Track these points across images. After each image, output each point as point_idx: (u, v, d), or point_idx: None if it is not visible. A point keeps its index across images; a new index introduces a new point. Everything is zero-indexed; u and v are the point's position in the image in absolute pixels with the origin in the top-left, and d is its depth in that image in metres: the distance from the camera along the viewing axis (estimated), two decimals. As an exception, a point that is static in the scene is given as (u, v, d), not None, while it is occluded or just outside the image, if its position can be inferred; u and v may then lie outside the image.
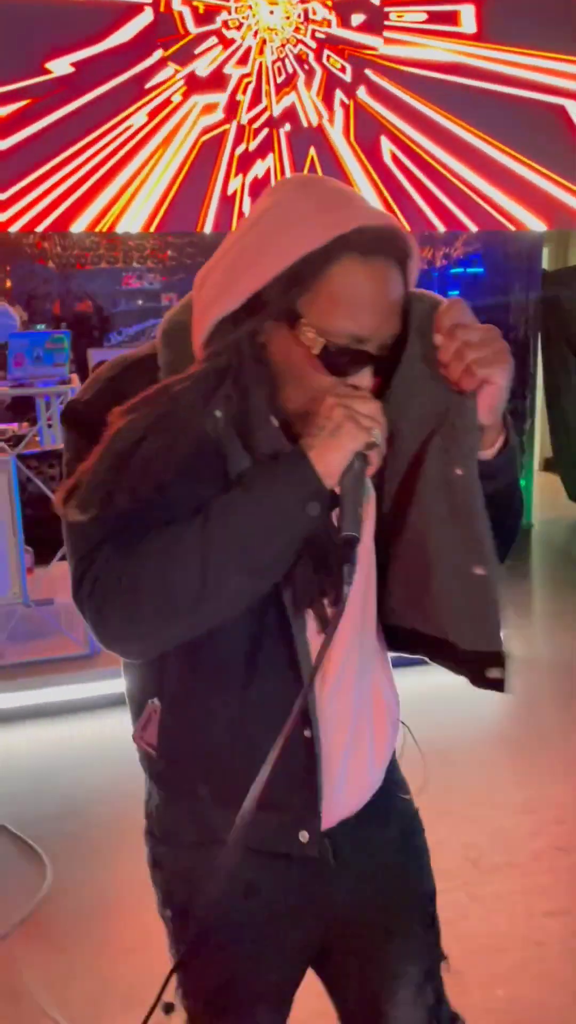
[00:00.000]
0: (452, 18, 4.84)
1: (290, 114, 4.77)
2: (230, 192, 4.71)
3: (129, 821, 2.62)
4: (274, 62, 4.71)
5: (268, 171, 4.75)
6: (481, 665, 1.08)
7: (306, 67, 4.73)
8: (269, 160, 4.76)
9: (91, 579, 1.01)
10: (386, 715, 1.20)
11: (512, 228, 5.15)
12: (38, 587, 3.61)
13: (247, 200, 4.71)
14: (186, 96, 4.60)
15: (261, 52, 4.68)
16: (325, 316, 0.97)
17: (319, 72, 4.75)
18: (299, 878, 1.15)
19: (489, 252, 5.57)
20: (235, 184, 4.72)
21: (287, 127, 4.76)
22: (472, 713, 3.44)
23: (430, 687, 3.49)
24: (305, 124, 4.77)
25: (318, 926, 1.19)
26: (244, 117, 4.68)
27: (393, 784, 1.24)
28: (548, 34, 4.89)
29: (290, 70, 4.74)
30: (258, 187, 4.70)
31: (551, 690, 3.69)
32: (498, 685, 1.08)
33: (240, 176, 4.72)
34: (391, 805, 1.23)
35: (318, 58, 4.74)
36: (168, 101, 4.57)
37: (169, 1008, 1.11)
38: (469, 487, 1.00)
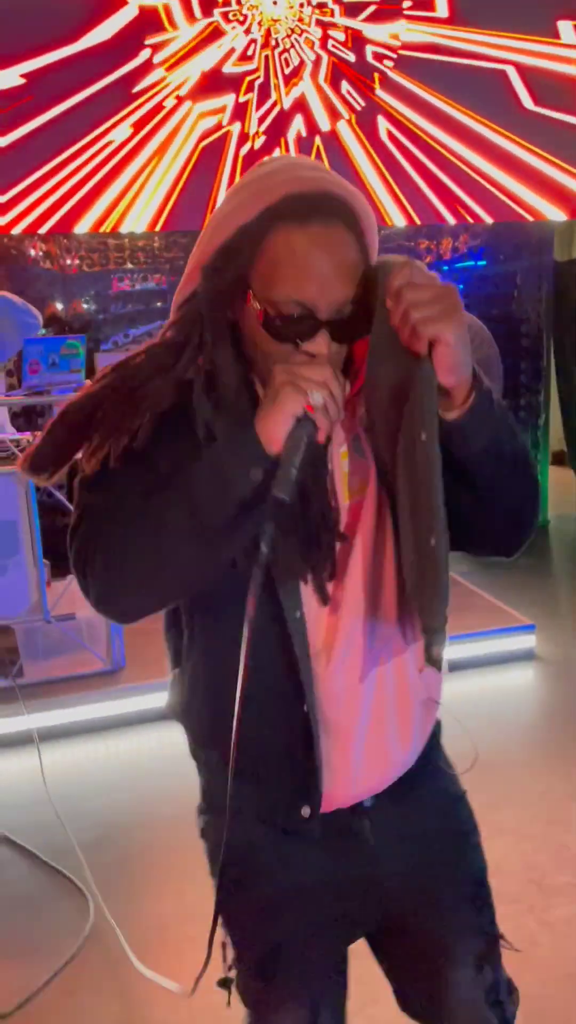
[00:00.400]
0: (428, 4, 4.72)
1: (300, 106, 4.63)
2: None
3: (170, 844, 2.54)
4: (280, 53, 4.58)
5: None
6: (429, 640, 1.04)
7: (313, 55, 4.60)
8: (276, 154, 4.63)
9: (74, 546, 1.07)
10: (411, 695, 1.17)
11: (530, 218, 5.04)
12: (58, 601, 3.48)
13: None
14: (181, 101, 4.44)
15: (266, 45, 4.55)
16: (268, 285, 1.00)
17: (325, 59, 4.61)
18: (340, 854, 1.17)
19: (497, 244, 5.46)
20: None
21: (299, 120, 4.62)
22: (509, 720, 3.34)
23: (463, 694, 3.46)
24: (315, 115, 4.64)
25: (366, 903, 1.20)
26: (254, 119, 4.53)
27: (432, 764, 1.24)
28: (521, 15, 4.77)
29: (296, 60, 4.60)
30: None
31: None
32: (438, 663, 1.04)
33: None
34: (431, 785, 1.24)
35: (323, 45, 4.61)
36: (160, 107, 4.41)
37: (225, 982, 1.18)
38: (427, 453, 0.98)
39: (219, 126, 4.50)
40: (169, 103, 4.43)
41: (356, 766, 1.14)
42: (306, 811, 1.13)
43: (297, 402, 0.95)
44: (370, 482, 1.11)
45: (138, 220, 4.50)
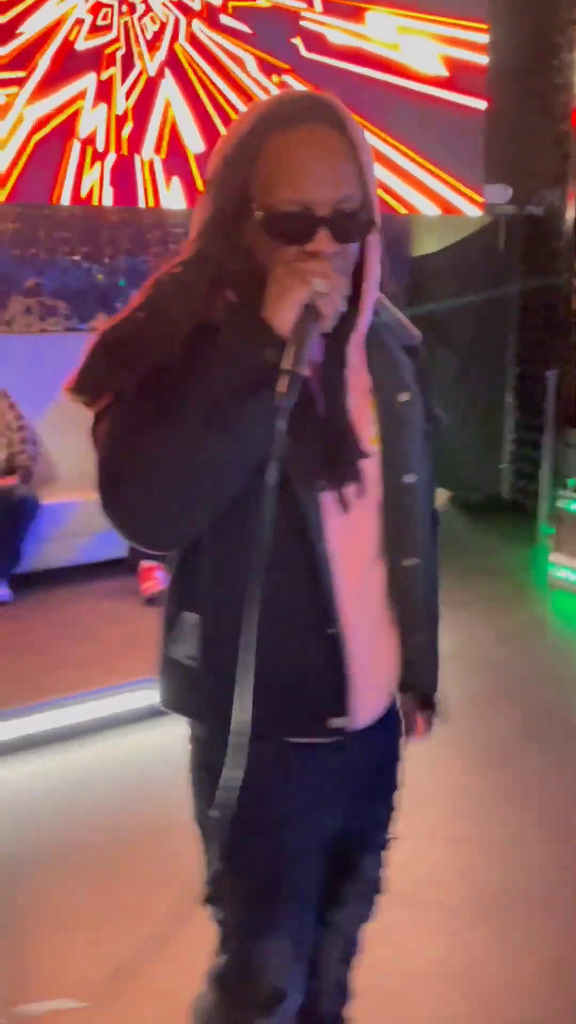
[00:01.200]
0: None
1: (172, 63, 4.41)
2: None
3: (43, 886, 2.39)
4: (140, 17, 4.33)
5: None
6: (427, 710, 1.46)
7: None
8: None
9: (103, 467, 1.07)
10: (394, 643, 1.31)
11: (404, 212, 5.06)
12: None
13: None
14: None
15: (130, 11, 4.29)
16: (267, 192, 1.06)
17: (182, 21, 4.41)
18: (330, 765, 1.25)
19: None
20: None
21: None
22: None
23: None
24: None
25: (334, 817, 1.31)
26: (120, 95, 4.28)
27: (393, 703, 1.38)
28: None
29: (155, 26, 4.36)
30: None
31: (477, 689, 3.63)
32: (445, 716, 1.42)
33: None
34: (393, 717, 1.38)
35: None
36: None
37: (209, 899, 1.23)
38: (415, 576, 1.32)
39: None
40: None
41: (364, 692, 1.23)
42: (334, 723, 1.21)
43: (301, 289, 1.02)
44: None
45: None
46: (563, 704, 3.49)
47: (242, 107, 4.48)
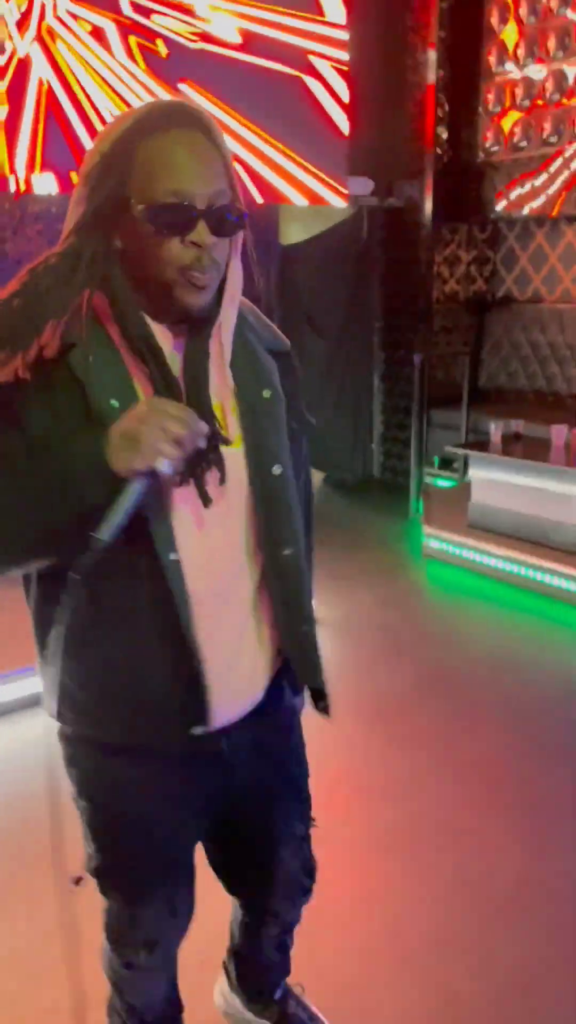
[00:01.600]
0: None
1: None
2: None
3: (8, 852, 2.44)
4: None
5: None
6: (315, 697, 1.50)
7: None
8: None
9: None
10: (270, 642, 1.38)
11: (276, 202, 5.18)
12: None
13: None
14: None
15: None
16: (145, 188, 1.12)
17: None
18: (202, 767, 1.36)
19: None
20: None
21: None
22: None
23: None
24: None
25: (217, 806, 1.44)
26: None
27: (278, 691, 1.43)
28: None
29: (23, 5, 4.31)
30: None
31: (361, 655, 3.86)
32: (326, 712, 1.49)
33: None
34: (277, 712, 1.45)
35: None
36: None
37: (78, 880, 1.37)
38: (297, 564, 1.38)
39: None
40: None
41: (224, 696, 1.30)
42: (198, 730, 1.28)
43: (143, 461, 1.05)
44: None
45: None
46: (447, 660, 3.75)
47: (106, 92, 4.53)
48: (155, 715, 1.27)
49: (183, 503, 1.19)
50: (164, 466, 1.05)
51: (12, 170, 4.34)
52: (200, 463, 1.16)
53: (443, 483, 5.66)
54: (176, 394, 1.16)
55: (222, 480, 1.20)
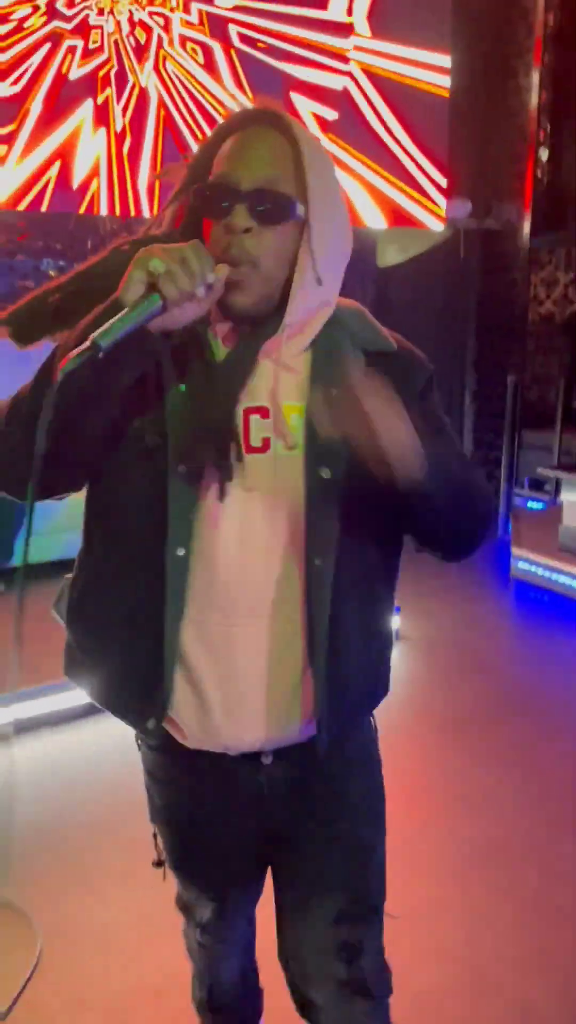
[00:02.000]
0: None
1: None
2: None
3: (110, 836, 2.58)
4: (128, 35, 4.44)
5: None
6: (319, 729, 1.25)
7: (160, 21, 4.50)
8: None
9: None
10: (308, 672, 1.21)
11: (378, 227, 5.23)
12: None
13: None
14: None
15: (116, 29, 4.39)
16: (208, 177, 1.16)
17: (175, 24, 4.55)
18: (231, 788, 1.29)
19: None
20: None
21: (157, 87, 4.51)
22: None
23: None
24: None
25: (259, 830, 1.34)
26: (118, 112, 4.39)
27: (344, 740, 1.28)
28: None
29: (143, 37, 4.48)
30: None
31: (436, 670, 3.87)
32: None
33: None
34: (336, 757, 1.27)
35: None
36: None
37: (160, 864, 1.45)
38: (322, 577, 1.24)
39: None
40: None
41: (242, 709, 1.21)
42: (151, 724, 1.24)
43: (139, 267, 1.02)
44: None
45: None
46: (532, 681, 3.74)
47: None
48: (119, 691, 1.27)
49: (212, 499, 1.16)
50: (156, 265, 1.01)
51: (136, 200, 4.50)
52: (204, 462, 1.14)
53: (533, 505, 5.61)
54: (211, 384, 1.15)
55: (227, 479, 1.16)
